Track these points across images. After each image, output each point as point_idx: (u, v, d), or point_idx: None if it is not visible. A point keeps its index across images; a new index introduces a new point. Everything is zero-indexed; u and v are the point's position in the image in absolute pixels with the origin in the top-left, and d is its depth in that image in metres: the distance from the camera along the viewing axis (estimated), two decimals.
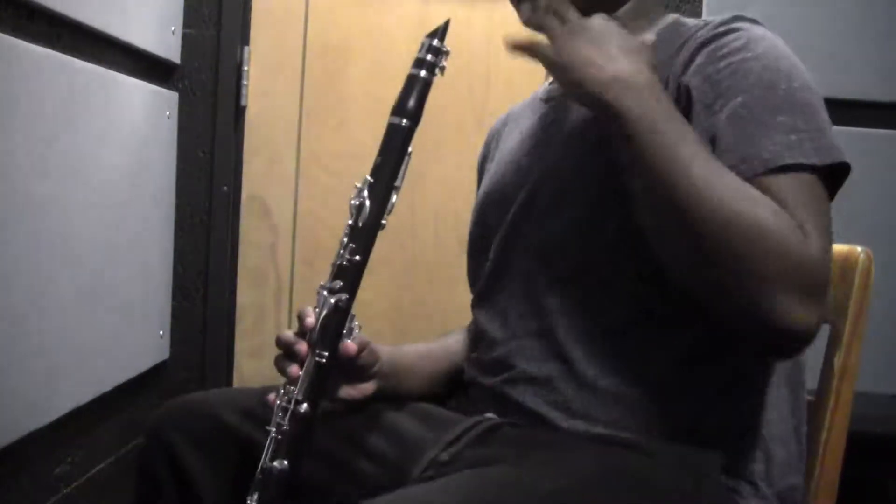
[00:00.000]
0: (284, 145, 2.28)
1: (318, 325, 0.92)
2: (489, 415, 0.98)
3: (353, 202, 0.95)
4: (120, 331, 1.87)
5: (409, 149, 0.97)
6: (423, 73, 0.97)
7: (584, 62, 0.86)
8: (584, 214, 0.95)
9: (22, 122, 1.43)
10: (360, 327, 0.96)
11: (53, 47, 1.54)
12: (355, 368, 0.99)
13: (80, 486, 1.77)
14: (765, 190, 0.83)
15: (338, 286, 0.93)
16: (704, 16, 2.05)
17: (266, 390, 1.00)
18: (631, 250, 0.91)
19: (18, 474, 1.55)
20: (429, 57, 0.97)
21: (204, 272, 2.24)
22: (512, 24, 1.05)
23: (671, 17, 1.04)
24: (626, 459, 0.87)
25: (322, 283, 0.94)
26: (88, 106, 1.67)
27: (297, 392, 0.91)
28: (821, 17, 2.08)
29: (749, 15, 0.94)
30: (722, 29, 0.93)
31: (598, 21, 0.89)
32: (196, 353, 2.24)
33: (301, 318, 0.95)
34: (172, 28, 2.10)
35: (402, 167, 0.96)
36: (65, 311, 1.60)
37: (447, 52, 0.98)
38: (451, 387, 1.13)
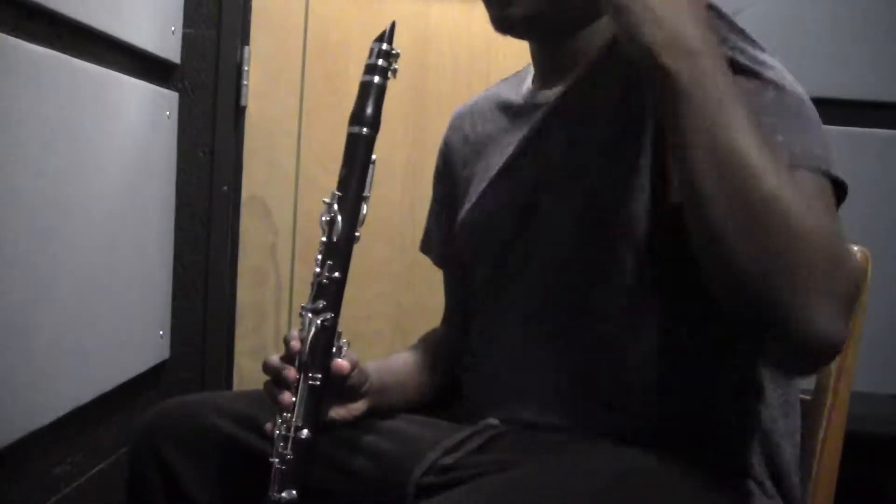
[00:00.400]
0: (284, 145, 2.28)
1: (307, 348, 0.91)
2: (491, 420, 0.98)
3: (323, 218, 0.94)
4: (120, 331, 1.87)
5: (373, 157, 0.96)
6: (376, 78, 0.96)
7: (645, 7, 0.76)
8: (596, 247, 0.93)
9: (22, 122, 1.43)
10: (348, 344, 0.95)
11: (53, 47, 1.54)
12: (346, 389, 0.97)
13: (80, 486, 1.77)
14: None
15: (321, 306, 0.91)
16: None
17: (258, 395, 0.99)
18: (639, 272, 0.91)
19: (18, 474, 1.55)
20: (380, 62, 0.96)
21: (204, 272, 2.24)
22: None
23: None
24: (647, 459, 0.87)
25: (304, 305, 0.93)
26: (88, 106, 1.67)
27: (294, 419, 0.89)
28: (821, 17, 2.08)
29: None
30: None
31: None
32: (196, 353, 2.24)
33: (286, 343, 0.93)
34: (172, 28, 2.10)
35: (369, 177, 0.96)
36: (65, 311, 1.60)
37: (398, 55, 0.97)
38: (440, 398, 1.12)
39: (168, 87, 2.14)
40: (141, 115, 1.92)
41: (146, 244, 2.01)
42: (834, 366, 1.00)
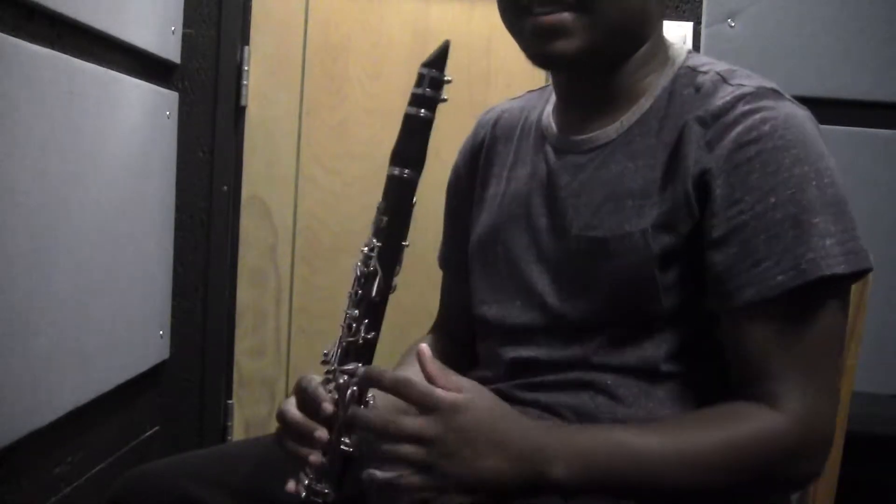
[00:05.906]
0: (284, 145, 2.28)
1: (344, 415, 0.83)
2: None
3: (360, 268, 0.86)
4: (120, 331, 1.87)
5: (414, 200, 0.87)
6: (422, 111, 0.85)
7: (485, 474, 0.77)
8: (615, 290, 0.91)
9: (22, 122, 1.43)
10: (374, 398, 0.86)
11: (53, 47, 1.55)
12: None
13: (80, 486, 1.77)
14: (783, 313, 0.84)
15: (357, 368, 0.84)
16: (704, 16, 2.04)
17: (230, 453, 0.98)
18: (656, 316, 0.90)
19: (18, 474, 1.55)
20: (427, 91, 0.84)
21: (204, 272, 2.24)
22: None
23: (682, 56, 0.96)
24: None
25: (329, 364, 0.85)
26: (88, 106, 1.67)
27: (323, 484, 0.84)
28: (821, 17, 2.08)
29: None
30: (748, 107, 0.86)
31: (462, 415, 0.77)
32: (196, 353, 2.24)
33: (315, 400, 0.84)
34: (172, 28, 2.10)
35: (408, 222, 0.87)
36: (65, 311, 1.60)
37: (448, 81, 0.85)
38: None
39: (168, 87, 2.14)
40: (141, 115, 1.92)
41: (146, 244, 2.01)
42: None
